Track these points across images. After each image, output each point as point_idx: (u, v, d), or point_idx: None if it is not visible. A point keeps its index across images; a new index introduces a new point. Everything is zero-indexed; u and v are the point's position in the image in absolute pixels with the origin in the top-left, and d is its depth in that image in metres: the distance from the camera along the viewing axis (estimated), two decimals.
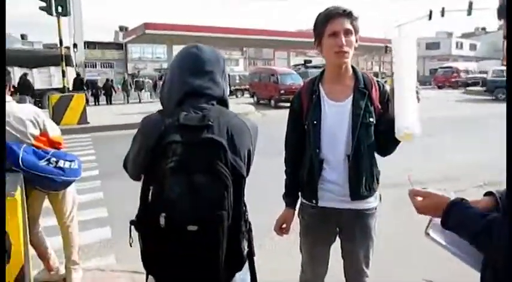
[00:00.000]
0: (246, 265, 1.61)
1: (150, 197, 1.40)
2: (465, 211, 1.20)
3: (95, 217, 4.91)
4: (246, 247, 1.55)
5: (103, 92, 25.63)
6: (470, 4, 32.39)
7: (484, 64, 43.65)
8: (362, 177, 2.02)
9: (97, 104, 24.30)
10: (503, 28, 1.29)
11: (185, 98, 1.52)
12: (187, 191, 1.35)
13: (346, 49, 1.93)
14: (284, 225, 2.22)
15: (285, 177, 2.25)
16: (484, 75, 35.38)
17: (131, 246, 1.59)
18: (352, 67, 2.07)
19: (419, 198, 1.33)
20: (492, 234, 1.07)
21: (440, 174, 6.62)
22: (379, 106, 2.04)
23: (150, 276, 1.53)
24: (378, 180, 2.10)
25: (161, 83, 1.66)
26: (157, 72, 38.80)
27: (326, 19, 1.96)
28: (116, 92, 26.58)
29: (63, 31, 13.43)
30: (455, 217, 1.21)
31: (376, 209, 2.12)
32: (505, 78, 1.67)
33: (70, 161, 2.77)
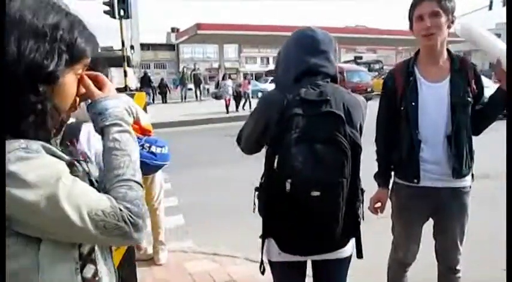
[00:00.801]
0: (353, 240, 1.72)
1: (275, 165, 1.50)
2: None
3: (167, 206, 5.18)
4: (360, 214, 1.66)
5: (158, 91, 26.50)
6: None
7: None
8: (463, 156, 2.07)
9: (152, 102, 25.21)
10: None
11: (302, 76, 1.63)
12: (311, 159, 1.46)
13: (433, 31, 1.99)
14: (379, 204, 2.30)
15: (375, 157, 2.32)
16: None
17: (254, 212, 1.74)
18: (448, 50, 2.12)
19: None
20: None
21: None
22: (474, 87, 2.10)
23: (268, 240, 1.68)
24: (473, 158, 2.14)
25: (275, 63, 1.83)
26: (208, 72, 39.51)
27: (415, 3, 2.05)
28: (170, 91, 27.37)
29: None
30: None
31: (471, 187, 2.18)
32: None
33: (161, 147, 2.97)
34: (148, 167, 2.96)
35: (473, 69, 2.12)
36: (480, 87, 2.11)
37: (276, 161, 1.51)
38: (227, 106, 17.25)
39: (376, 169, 2.33)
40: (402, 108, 2.13)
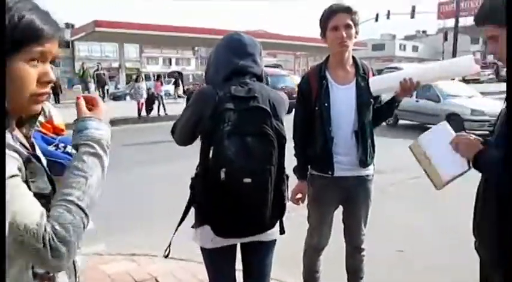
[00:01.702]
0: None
1: (211, 156, 1.66)
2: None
3: None
4: (286, 197, 1.85)
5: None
6: (413, 8, 34.40)
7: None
8: (367, 148, 2.40)
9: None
10: (485, 30, 1.52)
11: (232, 75, 1.80)
12: (242, 149, 1.62)
13: (346, 40, 2.29)
14: (300, 196, 2.54)
15: (294, 153, 2.52)
16: None
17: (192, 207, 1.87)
18: (352, 56, 2.44)
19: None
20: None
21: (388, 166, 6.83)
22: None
23: (201, 228, 1.81)
24: (374, 150, 2.48)
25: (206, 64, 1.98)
26: (107, 71, 37.71)
27: (329, 14, 2.31)
28: (61, 91, 25.52)
29: None
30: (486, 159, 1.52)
31: (373, 175, 2.51)
32: None
33: None
34: (64, 168, 2.85)
35: (372, 73, 2.46)
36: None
37: (211, 152, 1.66)
38: (139, 110, 15.38)
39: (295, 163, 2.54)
40: (317, 108, 2.38)
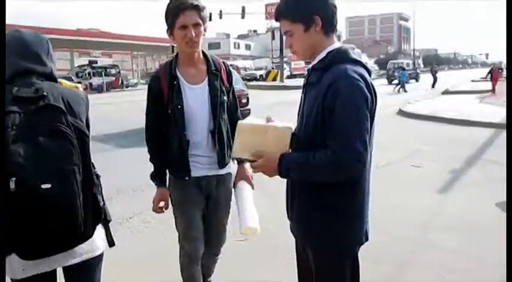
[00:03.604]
0: (103, 234, 1.73)
1: None
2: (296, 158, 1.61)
3: None
4: (101, 200, 1.67)
5: None
6: (243, 8, 36.28)
7: (257, 62, 49.69)
8: (224, 148, 2.31)
9: None
10: (282, 26, 1.67)
11: (15, 77, 1.60)
12: (34, 153, 1.43)
13: (196, 39, 2.16)
14: (162, 203, 2.35)
15: (149, 158, 2.39)
16: (259, 72, 40.23)
17: None
18: (203, 52, 2.32)
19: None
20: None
21: None
22: (228, 85, 2.37)
23: (8, 258, 1.52)
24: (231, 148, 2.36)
25: None
26: None
27: (176, 12, 2.13)
28: None
29: None
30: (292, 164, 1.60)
31: (231, 174, 2.43)
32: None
33: None
34: None
35: (225, 66, 2.37)
36: (230, 82, 2.38)
37: None
38: None
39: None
40: (170, 111, 2.25)
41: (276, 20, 1.70)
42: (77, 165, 1.50)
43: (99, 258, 1.73)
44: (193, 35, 2.14)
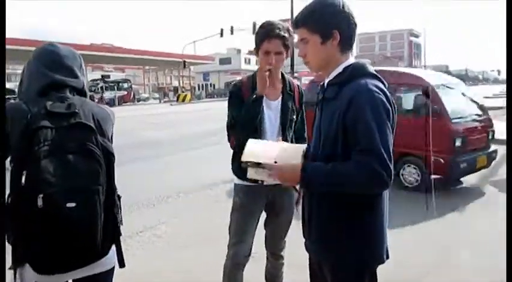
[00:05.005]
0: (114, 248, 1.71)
1: (23, 181, 1.42)
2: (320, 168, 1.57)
3: None
4: (120, 220, 1.68)
5: None
6: (254, 24, 36.56)
7: None
8: None
9: None
10: (298, 32, 1.68)
11: (47, 90, 1.62)
12: (63, 170, 1.44)
13: (276, 66, 2.35)
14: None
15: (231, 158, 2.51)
16: None
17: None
18: (282, 73, 2.51)
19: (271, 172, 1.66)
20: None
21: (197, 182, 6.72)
22: (298, 106, 2.54)
23: (20, 268, 1.54)
24: None
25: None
26: None
27: (263, 38, 2.31)
28: None
29: None
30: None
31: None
32: None
33: None
34: None
35: (298, 88, 2.56)
36: (301, 103, 2.57)
37: (23, 177, 1.43)
38: None
39: None
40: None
41: (296, 26, 1.70)
42: (102, 185, 1.52)
43: (110, 272, 1.73)
44: (274, 61, 2.33)
